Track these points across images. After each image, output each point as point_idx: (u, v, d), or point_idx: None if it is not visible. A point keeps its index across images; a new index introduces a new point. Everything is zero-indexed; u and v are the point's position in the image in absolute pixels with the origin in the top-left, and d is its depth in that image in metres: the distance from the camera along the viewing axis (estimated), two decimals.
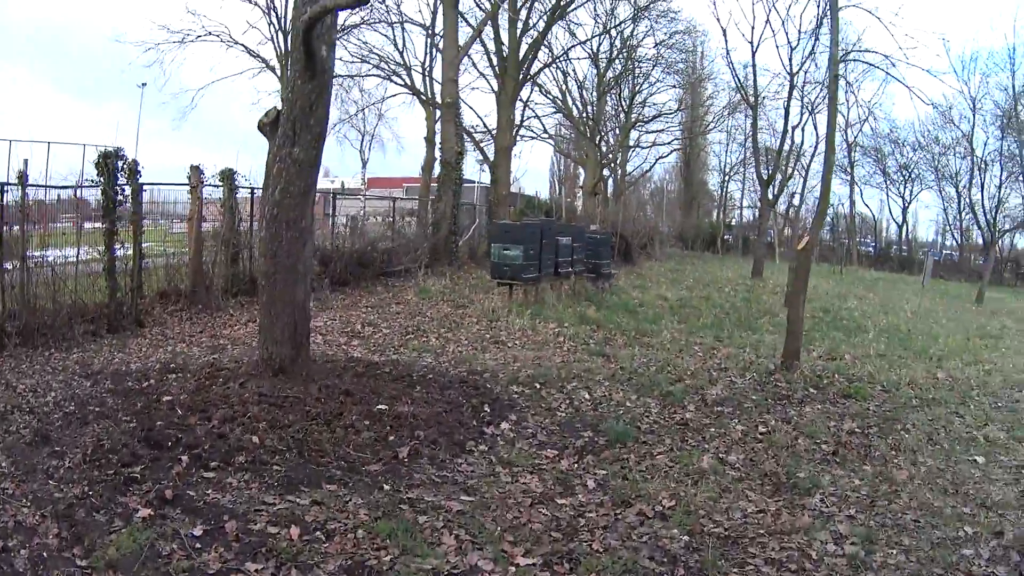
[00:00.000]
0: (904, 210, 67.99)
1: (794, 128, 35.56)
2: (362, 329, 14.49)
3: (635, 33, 41.38)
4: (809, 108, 35.95)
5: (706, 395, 10.22)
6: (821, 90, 34.40)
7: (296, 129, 8.92)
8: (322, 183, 54.25)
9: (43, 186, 14.81)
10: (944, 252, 69.25)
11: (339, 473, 6.73)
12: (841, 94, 33.86)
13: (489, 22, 31.59)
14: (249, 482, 6.42)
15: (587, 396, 9.94)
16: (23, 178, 13.49)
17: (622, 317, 16.99)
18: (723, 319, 18.00)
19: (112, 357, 11.48)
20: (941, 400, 10.95)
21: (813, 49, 32.91)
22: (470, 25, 31.06)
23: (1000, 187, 45.64)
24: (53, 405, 8.48)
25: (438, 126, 31.20)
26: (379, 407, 8.35)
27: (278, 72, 33.06)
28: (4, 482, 6.21)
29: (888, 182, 66.97)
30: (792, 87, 34.18)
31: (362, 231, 24.12)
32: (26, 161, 13.84)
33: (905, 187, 66.77)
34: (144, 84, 41.66)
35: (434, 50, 34.61)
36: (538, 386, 10.26)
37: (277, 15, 32.99)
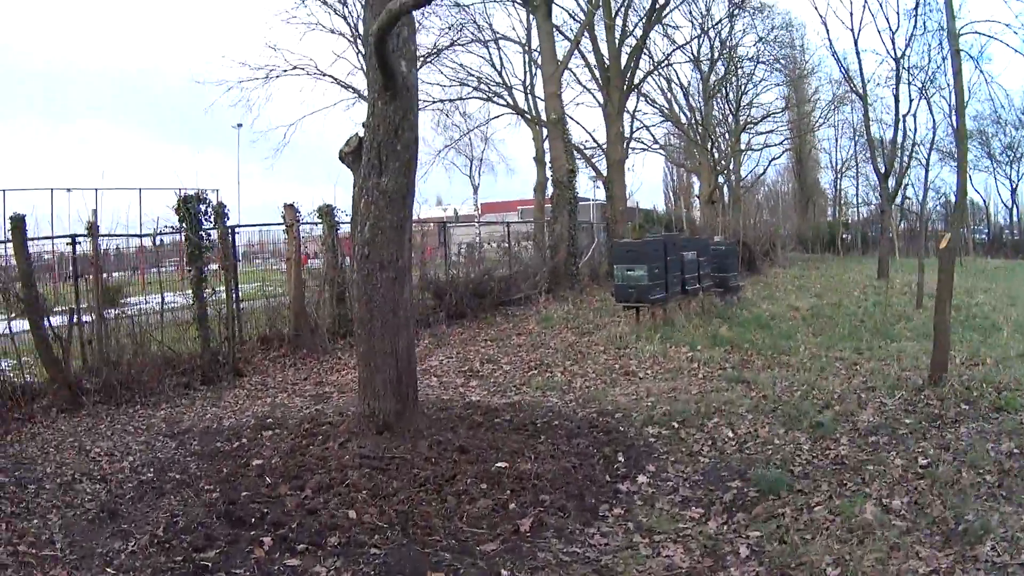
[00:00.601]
0: (1013, 192, 65.61)
1: (904, 116, 33.45)
2: (481, 367, 13.69)
3: (733, 32, 40.60)
4: (920, 91, 33.51)
5: (857, 423, 9.11)
6: (931, 71, 32.70)
7: (382, 157, 8.09)
8: (434, 212, 54.39)
9: (118, 235, 14.51)
10: None
11: (448, 556, 5.69)
12: (941, 79, 32.31)
13: (586, 32, 30.65)
14: (341, 570, 5.49)
15: (731, 434, 8.87)
16: (93, 228, 12.85)
17: (755, 333, 15.80)
18: (859, 328, 16.69)
19: (204, 412, 11.07)
20: None
21: (915, 29, 30.89)
22: (566, 37, 30.27)
23: None
24: (129, 471, 8.01)
25: (546, 145, 30.36)
26: (498, 465, 7.38)
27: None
28: (55, 568, 5.50)
29: (995, 164, 64.48)
30: (899, 72, 32.18)
31: (478, 259, 23.22)
32: (95, 211, 13.17)
33: (1011, 167, 64.51)
34: (240, 125, 41.18)
35: (533, 66, 33.94)
36: (676, 425, 9.20)
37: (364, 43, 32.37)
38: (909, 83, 32.83)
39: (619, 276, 16.90)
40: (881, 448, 8.12)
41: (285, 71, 32.13)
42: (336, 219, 16.74)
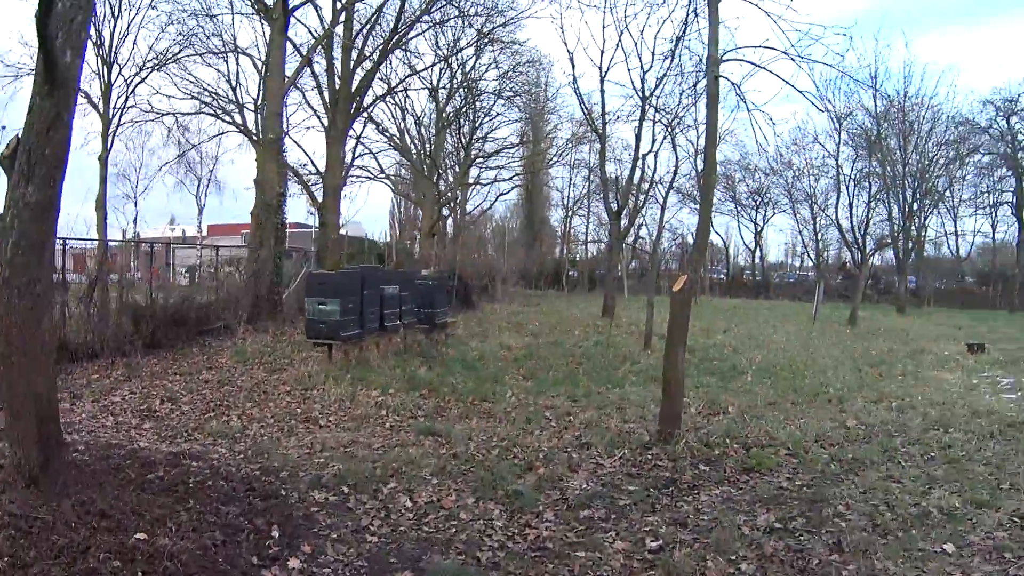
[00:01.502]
0: (757, 234, 68.92)
1: (645, 155, 33.64)
2: (160, 406, 12.46)
3: (477, 65, 40.05)
4: (666, 128, 32.99)
5: (567, 491, 8.10)
6: (679, 109, 32.51)
7: (31, 161, 6.86)
8: (164, 232, 51.88)
9: None
10: (797, 274, 72.31)
11: None
12: (689, 118, 32.92)
13: (322, 51, 29.64)
14: None
15: (409, 503, 7.75)
16: None
17: (459, 376, 15.00)
18: (576, 370, 16.16)
19: None
20: (864, 460, 9.38)
21: (669, 68, 30.63)
22: (300, 54, 28.93)
23: (869, 205, 45.61)
24: None
25: None
26: (137, 537, 6.21)
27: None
28: None
29: (739, 208, 68.12)
30: (644, 110, 32.19)
31: (177, 285, 21.63)
32: None
33: (757, 211, 68.36)
34: (3, 127, 38.26)
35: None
36: (346, 490, 8.07)
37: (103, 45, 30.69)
38: (654, 122, 32.89)
39: (311, 310, 15.98)
40: (596, 526, 7.10)
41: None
42: None
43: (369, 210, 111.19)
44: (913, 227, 49.30)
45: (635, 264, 64.23)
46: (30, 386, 6.99)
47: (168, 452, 9.41)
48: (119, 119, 32.11)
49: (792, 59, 10.62)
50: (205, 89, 34.18)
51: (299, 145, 35.80)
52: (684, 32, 26.70)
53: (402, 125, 43.05)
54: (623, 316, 30.22)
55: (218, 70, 34.66)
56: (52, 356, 7.72)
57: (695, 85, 29.52)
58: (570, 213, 69.61)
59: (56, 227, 7.42)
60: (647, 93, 31.64)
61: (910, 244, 49.98)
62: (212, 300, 21.24)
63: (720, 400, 12.78)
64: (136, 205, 50.71)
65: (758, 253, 71.02)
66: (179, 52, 31.81)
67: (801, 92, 10.88)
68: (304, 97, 35.20)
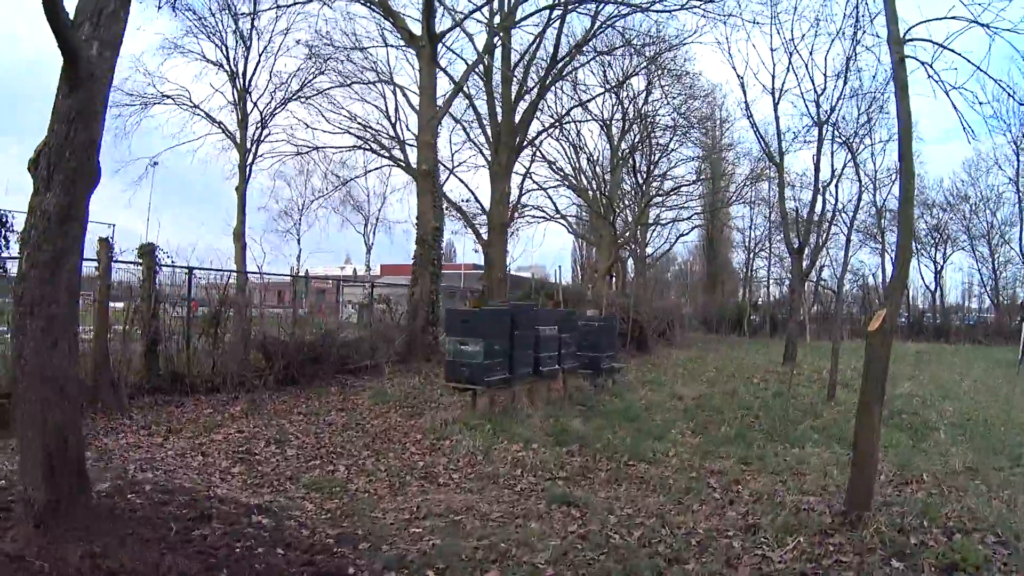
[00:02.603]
0: (937, 274, 64.33)
1: (826, 186, 30.89)
2: (263, 448, 11.10)
3: (650, 100, 38.27)
4: (844, 145, 30.53)
5: None
6: (858, 126, 30.19)
7: (50, 165, 5.84)
8: (334, 270, 51.82)
9: None
10: (976, 316, 66.87)
11: None
12: (866, 152, 30.38)
13: (482, 84, 28.35)
14: None
15: None
16: None
17: (618, 429, 12.95)
18: (751, 425, 13.92)
19: None
20: None
21: (844, 87, 28.47)
22: (453, 81, 27.58)
23: None
24: None
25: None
26: None
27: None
28: None
29: (918, 246, 61.98)
30: (821, 137, 29.70)
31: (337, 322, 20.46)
32: None
33: (936, 249, 63.65)
34: (155, 163, 38.40)
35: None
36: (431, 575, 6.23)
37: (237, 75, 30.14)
38: (832, 149, 30.49)
39: (451, 350, 14.00)
40: None
41: (156, 100, 29.78)
42: (157, 259, 14.89)
43: (551, 253, 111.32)
44: None
45: (816, 307, 61.11)
46: (43, 417, 6.00)
47: (242, 504, 7.99)
48: (255, 150, 31.39)
49: (984, 26, 8.33)
50: (362, 124, 33.48)
51: (462, 181, 34.81)
52: (856, 22, 24.60)
53: (576, 164, 41.72)
54: (805, 363, 27.58)
55: (376, 106, 33.66)
56: (74, 384, 6.40)
57: (873, 95, 27.24)
58: (751, 254, 67.83)
59: (82, 242, 6.38)
60: (822, 117, 29.26)
61: None
62: (357, 337, 20.02)
63: (912, 464, 10.48)
64: (299, 242, 50.98)
65: (938, 294, 66.60)
66: (312, 79, 31.00)
67: (995, 80, 8.62)
68: (466, 131, 34.36)
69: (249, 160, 30.58)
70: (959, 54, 8.27)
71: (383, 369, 19.20)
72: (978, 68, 8.41)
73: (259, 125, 30.95)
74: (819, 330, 54.17)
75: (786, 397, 17.31)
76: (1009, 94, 8.92)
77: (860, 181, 30.33)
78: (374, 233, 55.97)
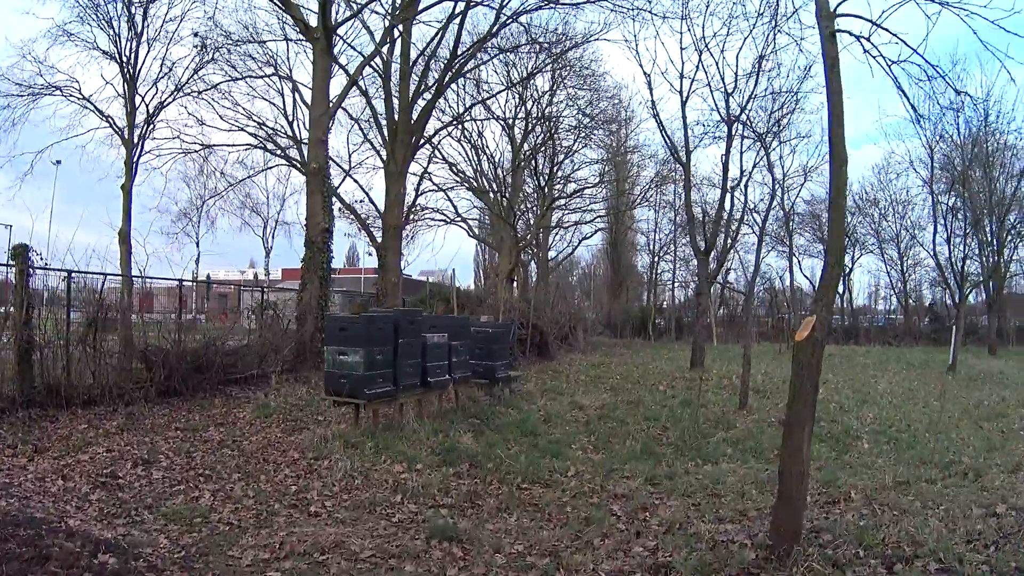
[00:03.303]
0: (845, 276, 64.43)
1: (735, 185, 30.24)
2: (130, 470, 10.24)
3: (555, 101, 37.81)
4: (757, 139, 28.89)
5: None
6: (774, 120, 29.10)
7: None
8: (234, 275, 50.70)
9: None
10: (886, 317, 69.33)
11: None
12: (775, 154, 30.15)
13: (379, 81, 27.45)
14: None
15: None
16: None
17: (513, 445, 12.11)
18: (659, 438, 13.14)
19: None
20: None
21: (755, 87, 27.85)
22: (347, 74, 26.66)
23: (964, 239, 42.38)
24: None
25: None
26: None
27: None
28: None
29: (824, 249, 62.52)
30: (731, 136, 29.12)
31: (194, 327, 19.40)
32: None
33: (847, 251, 62.73)
34: (59, 162, 36.53)
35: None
36: None
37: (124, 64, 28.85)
38: (741, 151, 29.93)
39: (329, 361, 12.92)
40: None
41: (45, 91, 28.23)
42: (31, 263, 14.06)
43: (455, 257, 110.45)
44: (1002, 262, 46.35)
45: (723, 311, 61.16)
46: None
47: (91, 539, 7.17)
48: (141, 146, 30.03)
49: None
50: (257, 121, 32.31)
51: (357, 182, 33.75)
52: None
53: (477, 165, 41.04)
54: (713, 368, 26.79)
55: (273, 104, 32.62)
56: None
57: (790, 91, 26.95)
58: (656, 258, 67.40)
59: None
60: (733, 116, 28.73)
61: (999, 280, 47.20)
62: (242, 345, 19.02)
63: (838, 480, 9.66)
64: (198, 245, 49.72)
65: (847, 297, 66.92)
66: (199, 69, 29.57)
67: (929, 63, 8.02)
68: (363, 131, 33.55)
69: (136, 156, 29.21)
70: (893, 33, 7.62)
71: (270, 379, 18.26)
72: (914, 50, 7.82)
73: (147, 120, 29.61)
74: (726, 333, 54.31)
75: (695, 406, 16.30)
76: (941, 76, 8.33)
77: (773, 178, 29.90)
78: (273, 236, 54.99)
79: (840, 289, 62.89)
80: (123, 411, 13.98)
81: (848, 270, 64.14)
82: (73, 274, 15.40)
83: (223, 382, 17.22)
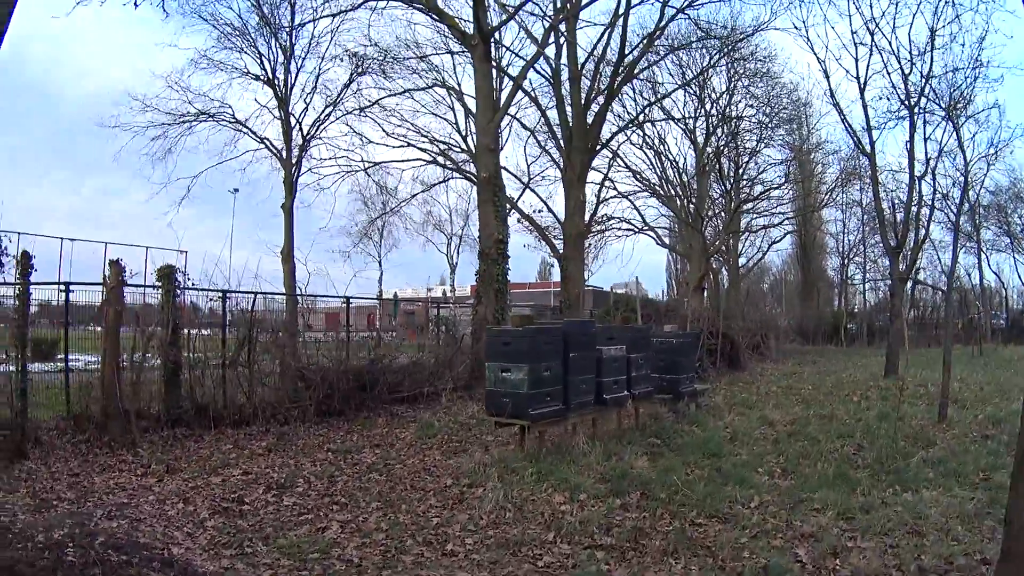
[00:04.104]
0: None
1: (922, 176, 28.13)
2: (259, 495, 9.54)
3: (733, 102, 36.41)
4: (948, 116, 27.36)
5: None
6: (954, 97, 27.01)
7: None
8: (422, 292, 51.03)
9: None
10: None
11: None
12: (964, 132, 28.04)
13: (550, 89, 26.53)
14: None
15: None
16: None
17: (693, 468, 10.71)
18: (854, 459, 11.45)
19: None
20: None
21: (932, 66, 25.58)
22: (511, 78, 25.81)
23: None
24: None
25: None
26: None
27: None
28: None
29: (1014, 243, 58.20)
30: (913, 123, 26.82)
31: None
32: None
33: None
34: (236, 190, 36.95)
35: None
36: None
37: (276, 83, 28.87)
38: (925, 139, 27.81)
39: (491, 378, 11.77)
40: None
41: (197, 118, 28.44)
42: (177, 283, 14.20)
43: (649, 268, 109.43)
44: None
45: (913, 313, 57.66)
46: None
47: (187, 572, 6.57)
48: (299, 166, 29.82)
49: None
50: (426, 136, 32.36)
51: (536, 193, 32.59)
52: None
53: (661, 171, 39.89)
54: (908, 376, 24.43)
55: (445, 119, 32.24)
56: None
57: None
58: (846, 260, 64.89)
59: None
60: (912, 99, 26.49)
61: None
62: (412, 362, 18.25)
63: None
64: (380, 264, 50.04)
65: (1004, 295, 62.66)
66: (352, 82, 29.64)
67: None
68: (538, 141, 33.12)
69: (295, 176, 29.10)
70: None
71: (441, 397, 17.52)
72: None
73: (305, 139, 29.47)
74: (917, 337, 51.40)
75: (892, 420, 14.62)
76: None
77: (965, 157, 27.51)
78: (458, 252, 54.91)
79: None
80: (276, 431, 13.60)
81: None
82: (229, 294, 15.33)
83: (389, 401, 16.55)
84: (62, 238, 31.47)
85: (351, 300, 19.44)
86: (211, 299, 15.98)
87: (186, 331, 14.46)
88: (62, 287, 13.68)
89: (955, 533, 7.53)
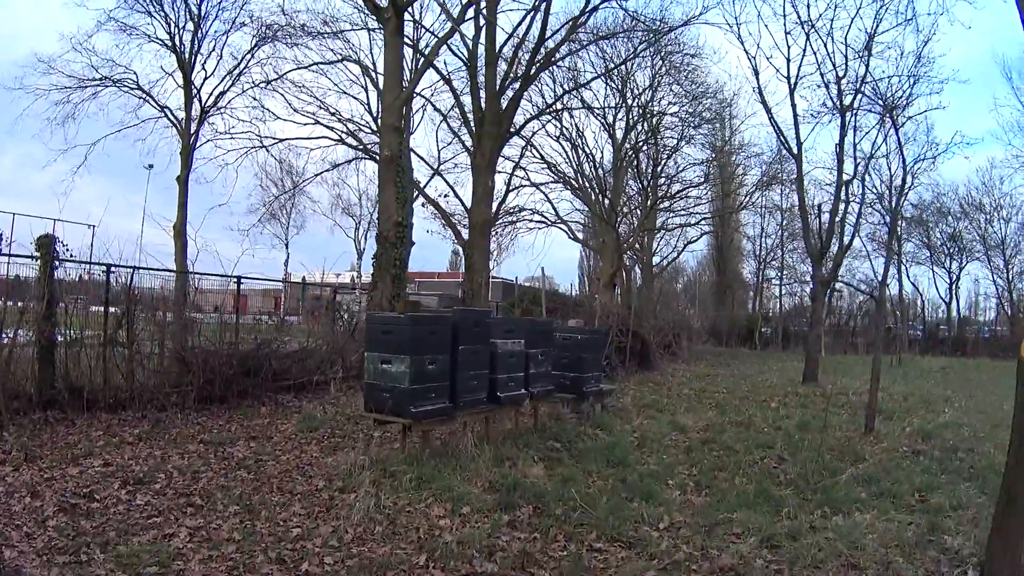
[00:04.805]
0: (952, 286, 62.34)
1: (850, 181, 28.10)
2: (111, 492, 8.46)
3: (656, 98, 36.05)
4: (887, 111, 27.19)
5: None
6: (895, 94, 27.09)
7: None
8: (329, 277, 50.33)
9: None
10: (990, 329, 65.19)
11: None
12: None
13: (466, 73, 25.75)
14: None
15: None
16: None
17: (595, 478, 9.62)
18: (775, 474, 10.39)
19: None
20: None
21: (866, 72, 25.80)
22: (422, 55, 25.05)
23: None
24: None
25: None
26: None
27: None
28: None
29: (932, 257, 61.14)
30: (844, 126, 26.68)
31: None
32: None
33: (952, 260, 61.41)
34: (151, 166, 35.60)
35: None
36: None
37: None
38: (855, 143, 27.68)
39: (370, 370, 10.67)
40: None
41: (101, 83, 27.47)
42: (55, 254, 12.86)
43: (561, 263, 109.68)
44: None
45: (828, 320, 58.42)
46: None
47: None
48: (197, 137, 28.91)
49: None
50: (333, 114, 31.91)
51: (444, 179, 31.53)
52: None
53: (577, 164, 39.19)
54: (826, 381, 24.29)
55: (356, 98, 31.69)
56: None
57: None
58: (762, 264, 65.37)
59: None
60: (843, 104, 26.44)
61: None
62: (300, 348, 17.25)
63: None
64: (287, 247, 49.19)
65: (954, 306, 64.26)
66: (254, 50, 29.37)
67: None
68: (449, 126, 32.39)
69: (193, 147, 28.17)
70: None
71: (330, 387, 16.60)
72: None
73: (203, 108, 28.53)
74: (833, 343, 51.81)
75: (812, 428, 13.88)
76: None
77: (903, 157, 27.36)
78: (366, 238, 53.89)
79: (946, 298, 60.60)
80: (152, 418, 12.60)
81: (955, 278, 61.87)
82: (115, 269, 14.13)
83: (275, 389, 15.70)
84: None
85: (242, 280, 18.41)
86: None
87: (63, 306, 13.38)
88: None
89: (896, 566, 6.59)
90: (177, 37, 27.62)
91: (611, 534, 7.38)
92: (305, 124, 31.62)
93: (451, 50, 26.30)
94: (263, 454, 10.77)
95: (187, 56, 27.65)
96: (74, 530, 7.18)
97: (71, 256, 13.43)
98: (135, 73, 27.85)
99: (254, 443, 11.53)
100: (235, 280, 17.85)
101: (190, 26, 27.85)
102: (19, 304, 13.15)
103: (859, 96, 26.39)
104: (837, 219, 27.88)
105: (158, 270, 15.83)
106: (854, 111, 26.68)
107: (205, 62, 28.65)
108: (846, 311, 60.28)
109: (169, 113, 28.38)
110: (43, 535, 7.03)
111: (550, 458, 10.74)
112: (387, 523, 7.55)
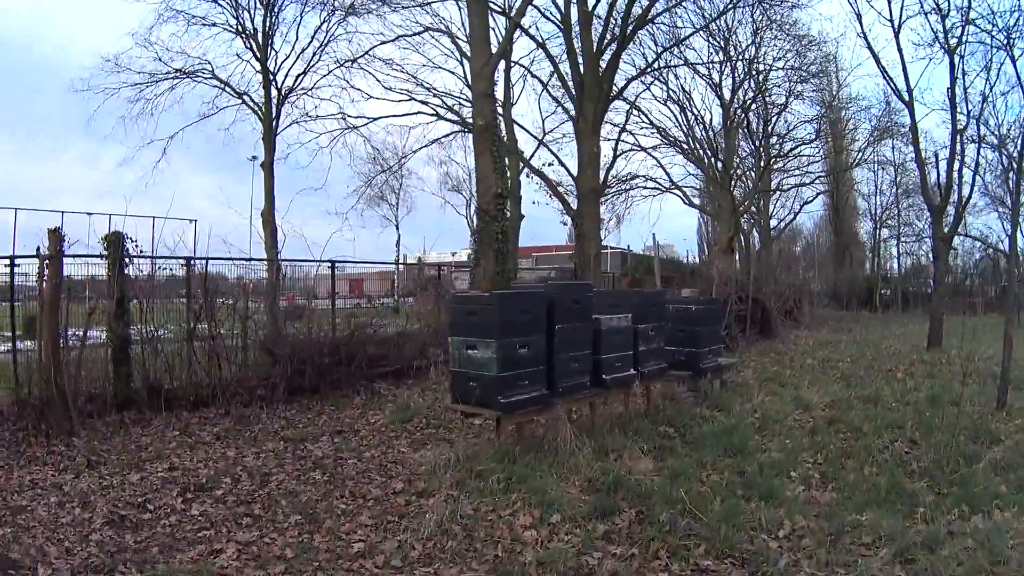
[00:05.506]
0: None
1: (963, 128, 25.68)
2: (165, 502, 7.82)
3: (759, 53, 34.91)
4: (1005, 47, 23.73)
5: None
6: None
7: None
8: (445, 256, 49.88)
9: None
10: None
11: None
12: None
13: (562, 37, 24.71)
14: None
15: None
16: None
17: (710, 471, 8.50)
18: (908, 462, 9.05)
19: None
20: None
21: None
22: (508, 17, 24.06)
23: None
24: None
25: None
26: None
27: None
28: None
29: None
30: (953, 67, 24.22)
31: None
32: None
33: None
34: (255, 157, 35.55)
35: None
36: None
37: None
38: (965, 87, 25.42)
39: (455, 357, 9.45)
40: None
41: (176, 76, 27.37)
42: (126, 251, 12.61)
43: (682, 230, 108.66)
44: None
45: (948, 279, 55.89)
46: None
47: None
48: (277, 121, 28.21)
49: None
50: (428, 89, 31.55)
51: (549, 148, 30.64)
52: None
53: (688, 129, 38.46)
54: (952, 348, 22.18)
55: (453, 72, 30.90)
56: None
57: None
58: (878, 223, 63.17)
59: None
60: (950, 45, 24.05)
61: None
62: (398, 333, 16.58)
63: None
64: (398, 228, 48.93)
65: None
66: (334, 28, 28.51)
67: None
68: (549, 93, 31.78)
69: (276, 131, 27.57)
70: None
71: (430, 372, 15.70)
72: None
73: (279, 91, 27.88)
74: (951, 304, 49.67)
75: (943, 403, 12.39)
76: None
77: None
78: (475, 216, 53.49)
79: None
80: (236, 414, 12.04)
81: None
82: (194, 261, 14.09)
83: (371, 376, 14.91)
84: (16, 208, 30.20)
85: (336, 264, 17.66)
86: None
87: (137, 302, 12.89)
88: (7, 262, 12.49)
89: None
90: (248, 22, 27.08)
91: (722, 548, 6.23)
92: (399, 101, 30.81)
93: (544, 15, 25.35)
94: (345, 451, 10.10)
95: (260, 40, 27.02)
96: (116, 546, 6.60)
97: (140, 252, 13.25)
98: (210, 63, 27.57)
99: (338, 438, 10.88)
100: (328, 264, 17.21)
101: (260, 10, 27.24)
102: (88, 303, 12.72)
103: (968, 27, 23.91)
104: (955, 169, 26.02)
105: (236, 259, 15.34)
106: (963, 43, 24.33)
107: (281, 45, 28.11)
108: (961, 270, 57.47)
109: (249, 99, 27.82)
110: (83, 551, 6.45)
111: (661, 447, 9.64)
112: (463, 536, 6.56)
